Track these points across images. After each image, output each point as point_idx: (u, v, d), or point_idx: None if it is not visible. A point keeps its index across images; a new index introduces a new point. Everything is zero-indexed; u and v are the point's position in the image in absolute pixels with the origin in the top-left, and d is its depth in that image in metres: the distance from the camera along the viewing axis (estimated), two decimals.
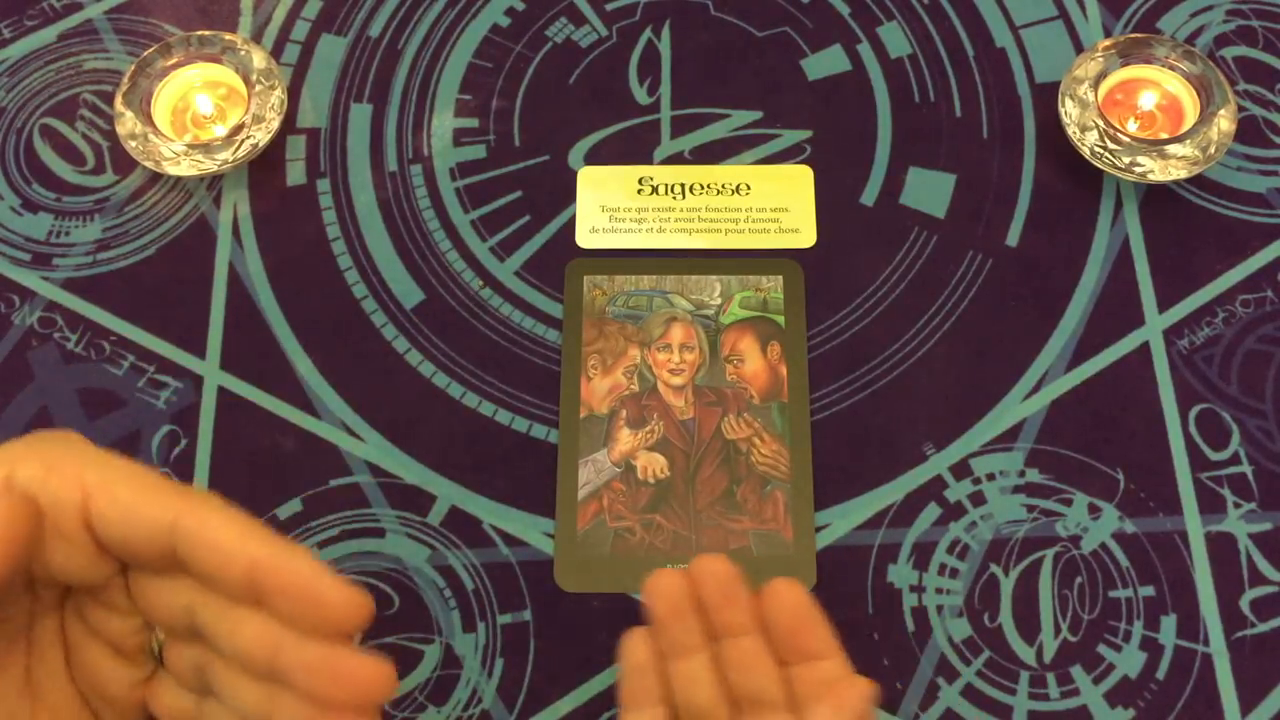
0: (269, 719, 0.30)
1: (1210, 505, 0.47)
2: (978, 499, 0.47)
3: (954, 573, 0.46)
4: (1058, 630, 0.45)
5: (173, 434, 0.49)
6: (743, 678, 0.37)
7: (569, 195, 0.53)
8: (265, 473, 0.48)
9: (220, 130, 0.53)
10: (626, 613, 0.45)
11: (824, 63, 0.56)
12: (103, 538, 0.30)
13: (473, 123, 0.55)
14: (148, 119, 0.52)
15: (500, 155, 0.54)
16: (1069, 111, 0.52)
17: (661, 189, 0.53)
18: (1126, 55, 0.52)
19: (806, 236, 0.52)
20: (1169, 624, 0.45)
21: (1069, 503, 0.47)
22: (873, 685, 0.36)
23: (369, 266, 0.52)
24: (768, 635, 0.37)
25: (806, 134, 0.54)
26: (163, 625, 0.32)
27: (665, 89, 0.55)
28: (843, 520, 0.47)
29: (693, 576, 0.38)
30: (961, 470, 0.48)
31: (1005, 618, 0.45)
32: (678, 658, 0.38)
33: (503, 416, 0.49)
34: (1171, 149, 0.51)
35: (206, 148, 0.52)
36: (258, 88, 0.53)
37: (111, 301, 0.51)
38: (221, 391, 0.49)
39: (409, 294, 0.51)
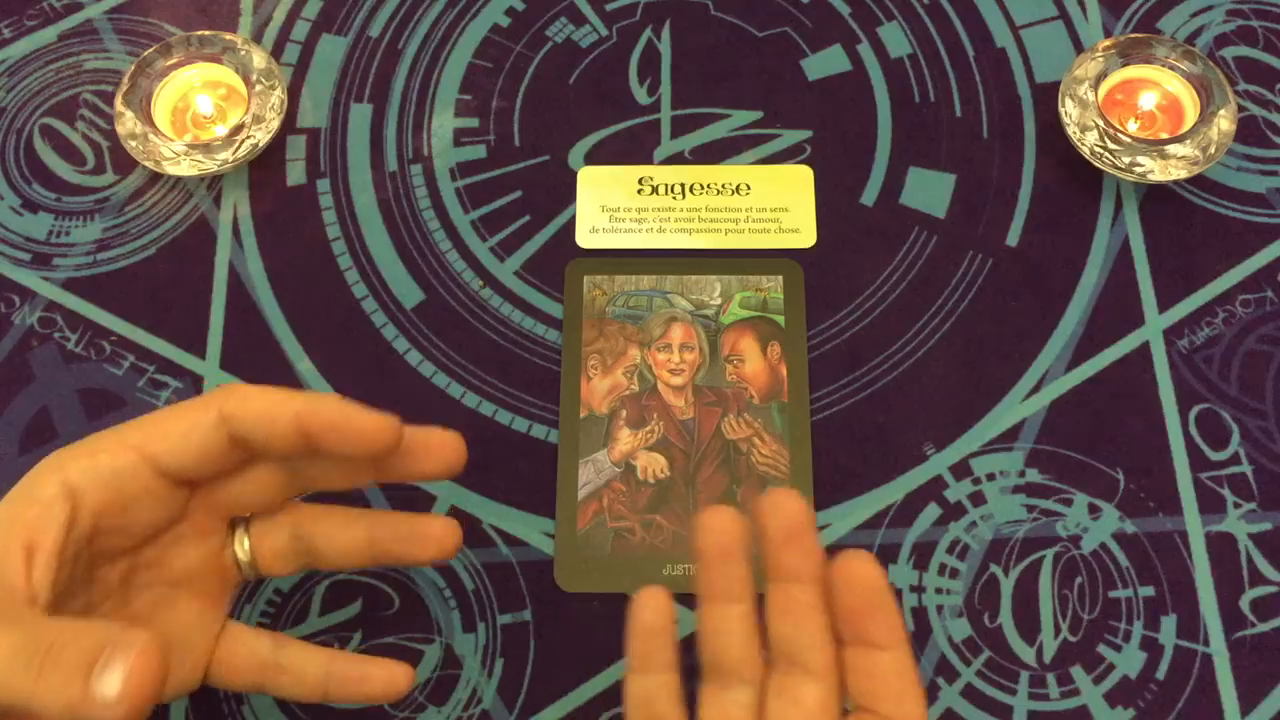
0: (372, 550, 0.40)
1: (1210, 505, 0.47)
2: (978, 499, 0.47)
3: (954, 573, 0.46)
4: (1058, 630, 0.45)
5: None
6: (789, 630, 0.34)
7: (569, 195, 0.53)
8: None
9: (220, 130, 0.53)
10: (626, 613, 0.45)
11: (824, 63, 0.56)
12: (236, 426, 0.36)
13: (473, 123, 0.55)
14: (148, 119, 0.52)
15: (500, 155, 0.54)
16: (1069, 111, 0.52)
17: (661, 189, 0.53)
18: (1126, 55, 0.52)
19: (806, 236, 0.52)
20: (1169, 624, 0.45)
21: (1069, 503, 0.47)
22: (923, 694, 0.34)
23: (369, 266, 0.52)
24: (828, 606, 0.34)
25: (806, 134, 0.54)
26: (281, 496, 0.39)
27: (665, 89, 0.55)
28: (843, 520, 0.47)
29: (760, 511, 0.34)
30: (961, 470, 0.48)
31: (1005, 618, 0.45)
32: (715, 602, 0.35)
33: (503, 416, 0.49)
34: (1171, 149, 0.51)
35: (206, 148, 0.52)
36: (258, 88, 0.53)
37: (111, 301, 0.51)
38: None
39: (409, 294, 0.51)
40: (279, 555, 0.40)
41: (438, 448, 0.38)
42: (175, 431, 0.36)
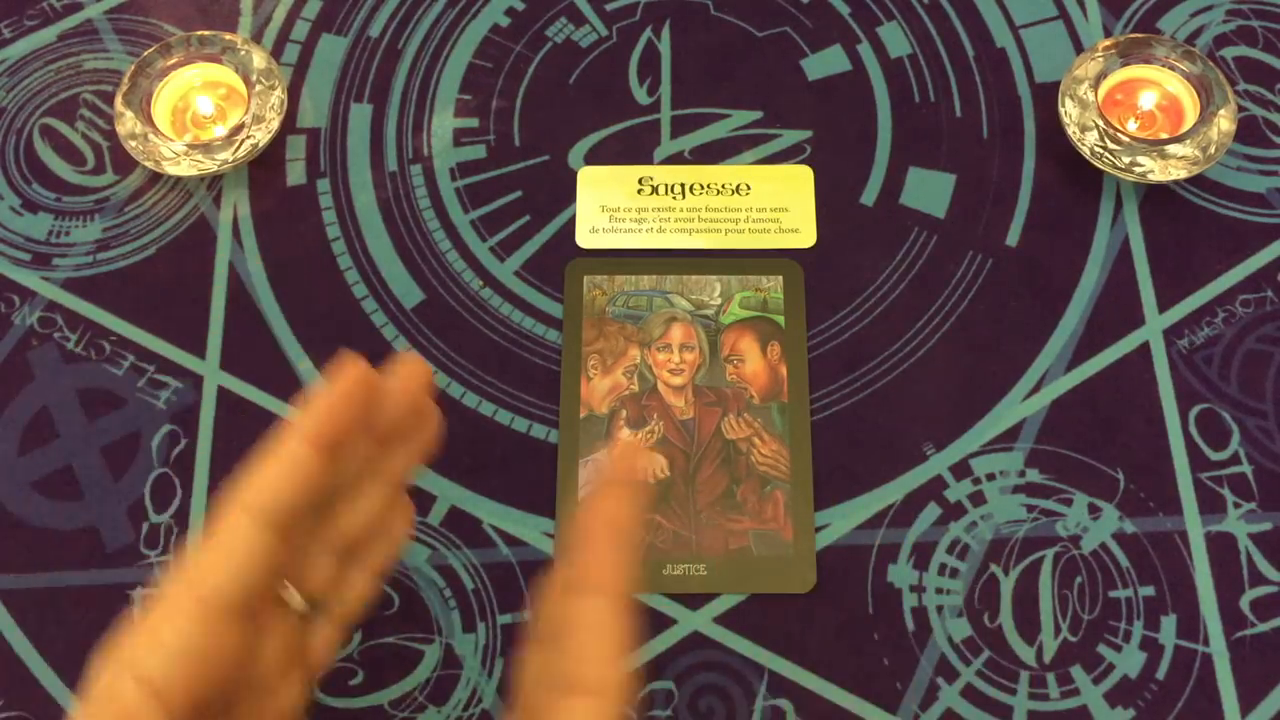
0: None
1: (1210, 505, 0.47)
2: (978, 499, 0.47)
3: (954, 573, 0.46)
4: (1058, 630, 0.45)
5: (173, 434, 0.49)
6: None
7: (569, 195, 0.53)
8: None
9: (220, 130, 0.53)
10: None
11: (824, 63, 0.56)
12: (270, 508, 0.32)
13: (473, 123, 0.55)
14: (148, 119, 0.52)
15: (500, 155, 0.54)
16: (1069, 111, 0.52)
17: (661, 189, 0.53)
18: (1126, 55, 0.52)
19: (806, 236, 0.52)
20: (1169, 624, 0.45)
21: (1069, 503, 0.47)
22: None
23: (369, 266, 0.52)
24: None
25: (806, 134, 0.54)
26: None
27: (665, 89, 0.55)
28: (843, 520, 0.47)
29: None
30: (961, 470, 0.48)
31: (1005, 618, 0.45)
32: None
33: (503, 416, 0.49)
34: (1171, 149, 0.51)
35: (206, 148, 0.52)
36: (258, 88, 0.53)
37: (111, 301, 0.51)
38: (221, 391, 0.49)
39: (409, 294, 0.51)
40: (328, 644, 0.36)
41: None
42: (217, 561, 0.31)
